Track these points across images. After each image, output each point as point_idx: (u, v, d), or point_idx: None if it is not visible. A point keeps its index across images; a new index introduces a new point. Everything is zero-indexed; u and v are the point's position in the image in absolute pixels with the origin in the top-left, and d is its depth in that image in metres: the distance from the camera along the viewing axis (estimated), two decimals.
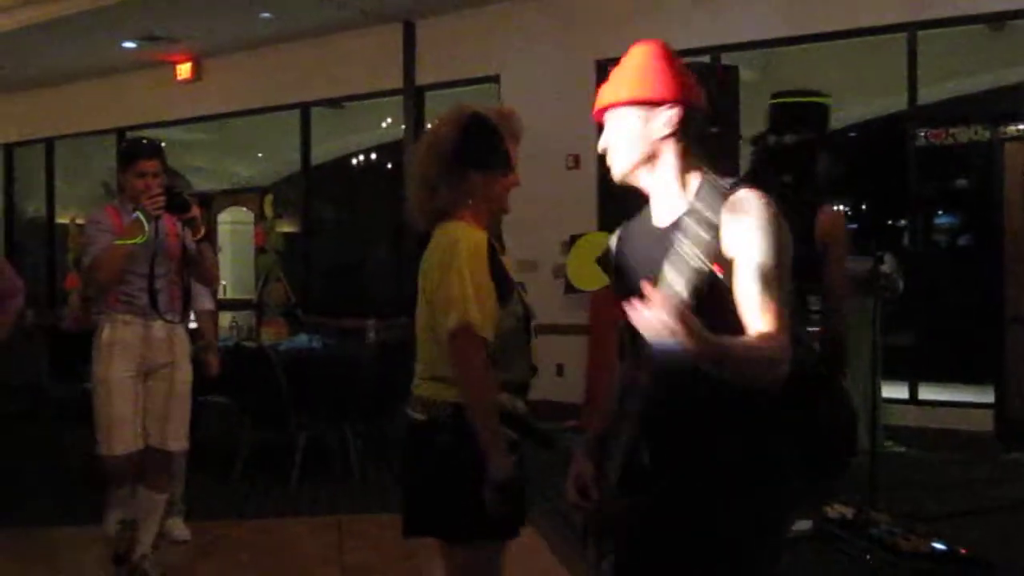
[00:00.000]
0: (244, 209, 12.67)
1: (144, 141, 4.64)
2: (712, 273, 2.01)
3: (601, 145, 2.32)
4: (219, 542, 5.45)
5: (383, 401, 6.52)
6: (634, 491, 2.25)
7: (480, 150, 2.70)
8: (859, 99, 11.36)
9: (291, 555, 5.25)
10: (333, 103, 12.09)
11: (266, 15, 10.52)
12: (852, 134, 12.48)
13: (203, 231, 4.39)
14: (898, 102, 8.82)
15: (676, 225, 2.13)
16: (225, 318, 11.27)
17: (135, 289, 4.33)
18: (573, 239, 9.18)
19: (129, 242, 4.18)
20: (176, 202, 4.20)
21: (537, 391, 3.24)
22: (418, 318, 2.80)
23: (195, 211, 4.30)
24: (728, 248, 2.08)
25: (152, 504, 4.49)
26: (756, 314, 2.07)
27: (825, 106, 3.91)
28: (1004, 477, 6.88)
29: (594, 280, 8.89)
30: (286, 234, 12.36)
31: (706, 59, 8.56)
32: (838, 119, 11.95)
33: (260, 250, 10.80)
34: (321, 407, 6.59)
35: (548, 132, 9.49)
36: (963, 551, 4.79)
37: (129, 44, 11.60)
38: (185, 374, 4.52)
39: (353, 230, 14.76)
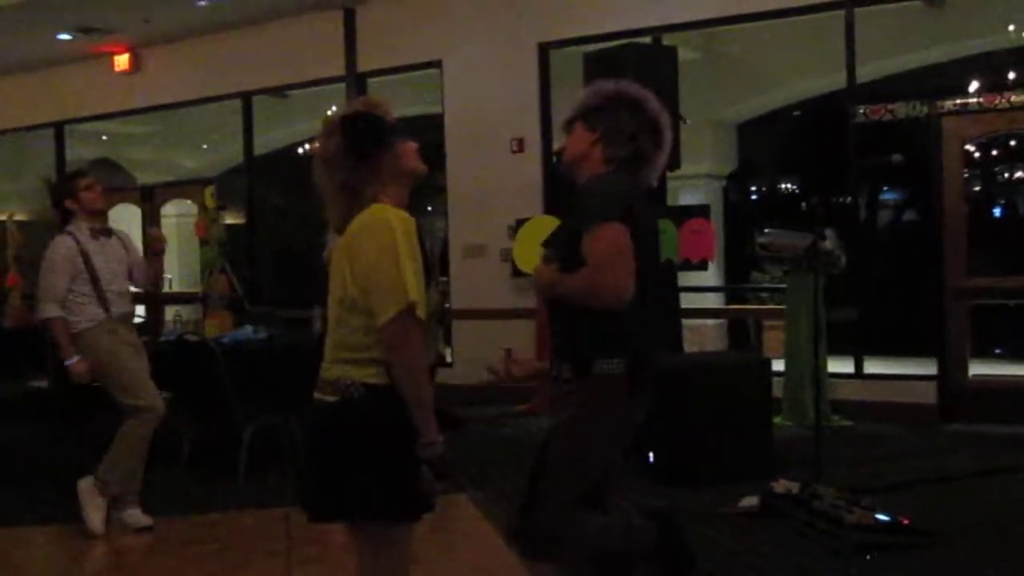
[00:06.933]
0: (188, 201, 12.51)
1: None
2: None
3: None
4: (165, 538, 5.38)
5: None
6: None
7: (372, 131, 2.76)
8: (799, 78, 11.46)
9: (238, 549, 5.19)
10: (276, 92, 11.98)
11: (203, 3, 10.38)
12: (796, 113, 12.64)
13: None
14: (837, 80, 8.89)
15: None
16: (170, 312, 11.16)
17: None
18: (519, 223, 9.16)
19: None
20: None
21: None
22: (331, 301, 2.80)
23: None
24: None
25: None
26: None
27: None
28: (946, 447, 6.99)
29: None
30: (233, 225, 12.24)
31: (647, 40, 8.56)
32: (780, 98, 12.15)
33: (203, 242, 10.70)
34: (267, 398, 6.51)
35: (492, 116, 9.51)
36: (905, 521, 4.85)
37: (64, 36, 11.38)
38: None
39: (299, 219, 14.64)
